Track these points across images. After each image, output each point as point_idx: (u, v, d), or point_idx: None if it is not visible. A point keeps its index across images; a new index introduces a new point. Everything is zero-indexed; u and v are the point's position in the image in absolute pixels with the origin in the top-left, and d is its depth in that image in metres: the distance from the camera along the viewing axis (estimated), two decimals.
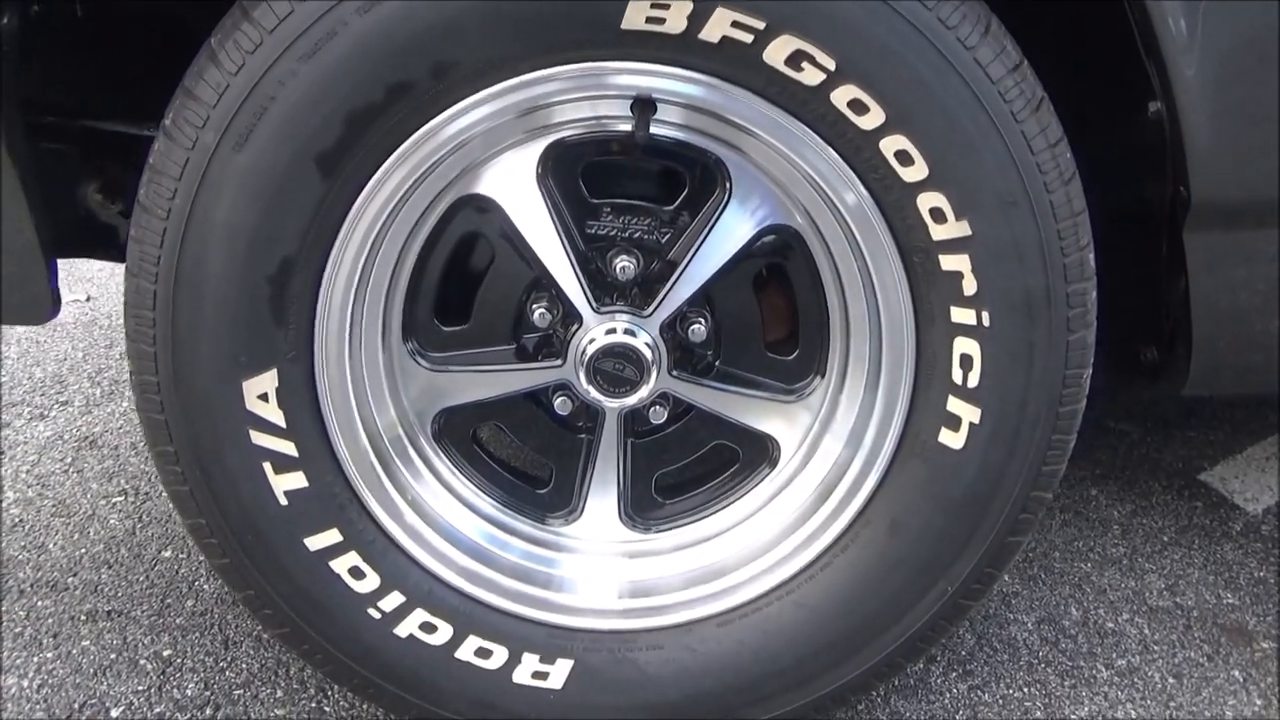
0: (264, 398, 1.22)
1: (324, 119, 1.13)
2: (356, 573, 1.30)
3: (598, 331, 1.31)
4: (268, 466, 1.24)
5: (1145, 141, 1.30)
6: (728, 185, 1.29)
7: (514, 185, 1.28)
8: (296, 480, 1.25)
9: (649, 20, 1.10)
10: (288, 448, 1.24)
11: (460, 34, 1.10)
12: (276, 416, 1.23)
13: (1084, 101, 1.41)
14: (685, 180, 1.32)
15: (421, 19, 1.09)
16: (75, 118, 1.55)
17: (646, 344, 1.31)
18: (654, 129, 1.25)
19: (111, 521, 2.00)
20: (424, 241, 1.32)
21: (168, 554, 1.90)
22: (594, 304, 1.31)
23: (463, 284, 1.37)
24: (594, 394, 1.32)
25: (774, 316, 1.42)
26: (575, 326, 1.32)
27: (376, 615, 1.31)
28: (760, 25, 1.10)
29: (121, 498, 2.09)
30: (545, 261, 1.29)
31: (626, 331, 1.30)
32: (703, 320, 1.35)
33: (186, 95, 1.14)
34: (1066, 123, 1.22)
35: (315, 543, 1.28)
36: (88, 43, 1.47)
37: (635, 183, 1.34)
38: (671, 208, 1.32)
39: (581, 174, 1.32)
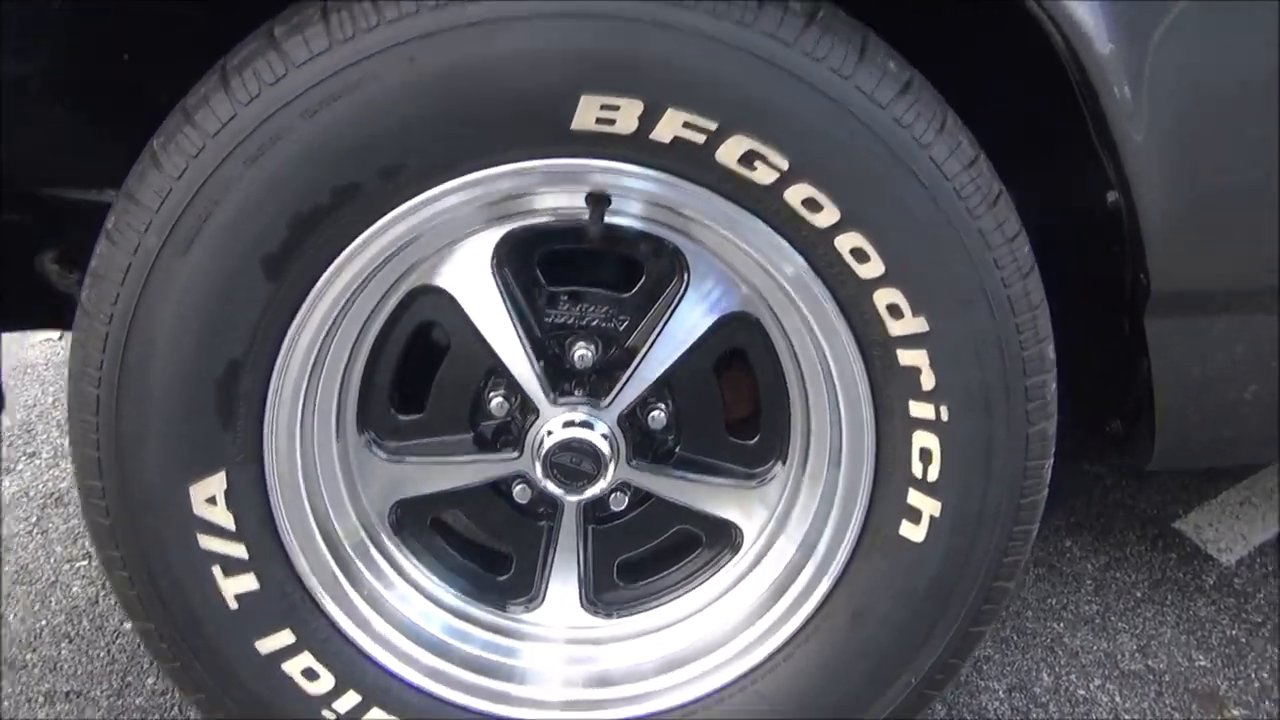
0: (211, 501, 1.19)
1: (269, 222, 1.11)
2: (310, 674, 1.27)
3: (554, 424, 1.29)
4: (217, 570, 1.21)
5: (1108, 225, 1.30)
6: (685, 274, 1.28)
7: (468, 276, 1.26)
8: (247, 582, 1.23)
9: (599, 121, 1.09)
10: (237, 550, 1.22)
11: (408, 138, 1.08)
12: (225, 520, 1.20)
13: (1052, 175, 1.41)
14: (643, 268, 1.31)
15: (369, 124, 1.07)
16: (33, 186, 1.53)
17: (604, 436, 1.29)
18: (612, 219, 1.24)
19: (74, 589, 1.97)
20: (377, 334, 1.30)
21: (129, 626, 1.86)
22: (550, 395, 1.29)
23: (419, 372, 1.35)
24: (551, 487, 1.30)
25: (736, 396, 1.40)
26: (532, 417, 1.30)
27: (331, 717, 1.29)
28: (712, 126, 1.09)
29: (85, 562, 2.06)
30: (500, 353, 1.27)
31: (583, 424, 1.28)
32: (663, 407, 1.34)
33: (129, 199, 1.11)
34: (1034, 192, 1.21)
35: (266, 645, 1.25)
36: (46, 111, 1.44)
37: (592, 270, 1.32)
38: (629, 295, 1.31)
39: (538, 262, 1.30)
